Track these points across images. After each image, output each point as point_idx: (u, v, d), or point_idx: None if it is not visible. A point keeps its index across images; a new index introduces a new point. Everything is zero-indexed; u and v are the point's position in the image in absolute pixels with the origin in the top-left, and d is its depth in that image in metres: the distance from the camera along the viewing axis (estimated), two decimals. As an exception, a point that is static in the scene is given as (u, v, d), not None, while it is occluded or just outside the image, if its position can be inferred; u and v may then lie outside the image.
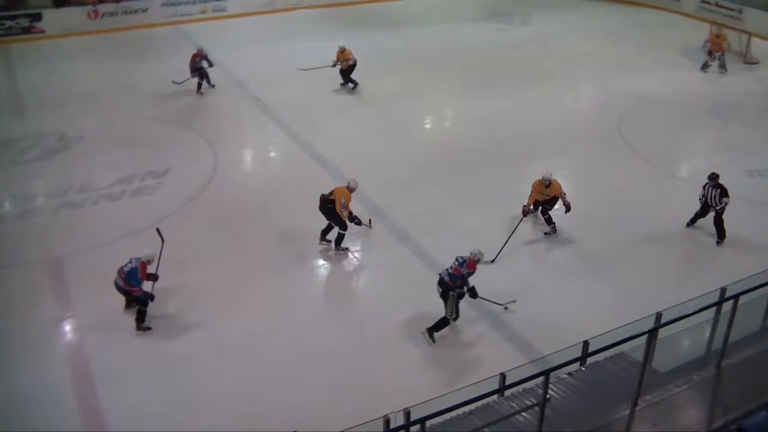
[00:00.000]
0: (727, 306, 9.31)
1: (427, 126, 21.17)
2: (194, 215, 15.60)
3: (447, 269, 11.87)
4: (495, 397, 8.79)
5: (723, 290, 9.78)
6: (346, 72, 22.19)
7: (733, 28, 27.50)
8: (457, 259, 11.90)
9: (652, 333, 8.47)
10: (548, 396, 8.18)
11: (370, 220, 15.11)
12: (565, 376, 9.31)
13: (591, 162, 18.36)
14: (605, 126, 20.38)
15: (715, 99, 22.83)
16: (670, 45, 27.87)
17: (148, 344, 11.82)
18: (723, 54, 25.13)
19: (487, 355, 11.43)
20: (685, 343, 10.08)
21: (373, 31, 28.38)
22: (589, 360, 9.41)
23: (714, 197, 14.99)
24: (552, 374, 8.01)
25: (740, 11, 30.29)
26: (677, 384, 8.93)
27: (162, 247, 12.59)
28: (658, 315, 9.38)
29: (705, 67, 25.26)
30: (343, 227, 14.22)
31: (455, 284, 11.74)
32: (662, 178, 17.59)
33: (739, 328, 9.30)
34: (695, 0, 32.10)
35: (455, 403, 7.32)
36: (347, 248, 14.42)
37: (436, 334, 11.86)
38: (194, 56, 21.40)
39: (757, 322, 10.31)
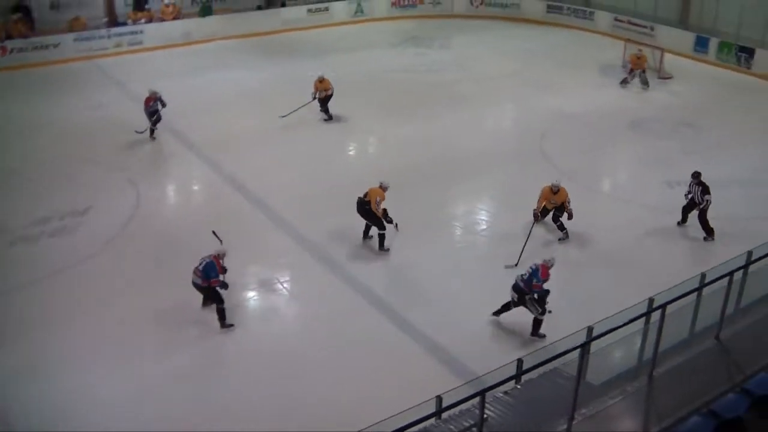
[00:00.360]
0: (655, 316, 9.50)
1: (350, 153, 21.22)
2: (117, 253, 15.23)
3: (521, 275, 12.55)
4: (432, 420, 8.75)
5: (651, 300, 9.98)
6: (324, 101, 22.13)
7: (647, 45, 28.42)
8: (531, 267, 12.60)
9: (584, 347, 8.57)
10: (485, 416, 8.18)
11: (396, 225, 15.62)
12: (501, 395, 9.34)
13: (515, 181, 18.61)
14: (527, 145, 20.76)
15: (632, 114, 23.50)
16: (587, 63, 28.67)
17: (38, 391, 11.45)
18: (644, 71, 25.99)
19: (422, 379, 11.39)
20: (617, 354, 10.23)
21: (293, 59, 28.36)
22: (524, 377, 9.48)
23: (697, 194, 15.83)
24: (488, 394, 8.02)
25: (652, 28, 31.34)
26: (611, 396, 9.03)
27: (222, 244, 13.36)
28: (590, 329, 9.51)
29: (624, 83, 26.04)
30: (381, 227, 15.05)
31: (530, 289, 12.36)
32: (585, 194, 17.93)
33: (668, 336, 9.48)
34: (609, 19, 33.15)
35: (392, 429, 7.27)
36: (388, 249, 15.13)
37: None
38: (148, 100, 20.39)
39: (685, 330, 10.54)
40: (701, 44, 29.64)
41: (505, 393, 9.38)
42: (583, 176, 18.83)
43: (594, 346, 8.79)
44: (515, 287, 12.62)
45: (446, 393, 8.72)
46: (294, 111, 21.87)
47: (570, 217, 15.61)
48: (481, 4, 36.16)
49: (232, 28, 31.03)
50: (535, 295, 12.46)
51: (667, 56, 28.00)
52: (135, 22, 29.62)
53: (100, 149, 20.22)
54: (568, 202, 15.53)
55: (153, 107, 20.48)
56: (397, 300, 13.70)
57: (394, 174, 18.64)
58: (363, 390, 11.45)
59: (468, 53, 29.91)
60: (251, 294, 14.05)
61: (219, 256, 12.85)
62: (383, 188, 15.21)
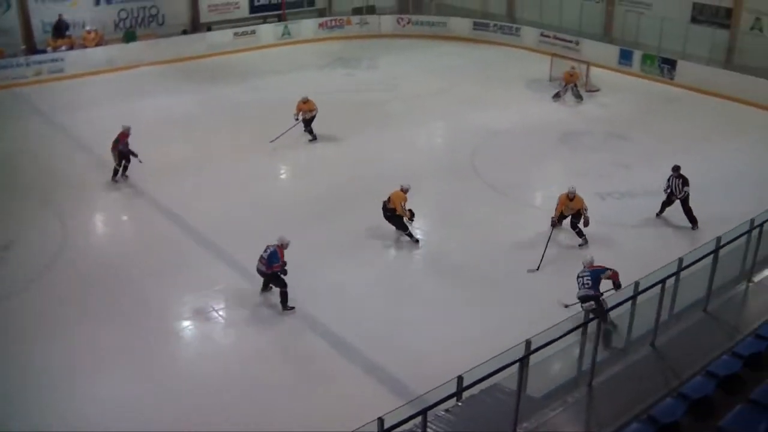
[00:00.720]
0: (592, 326, 9.67)
1: (282, 176, 21.12)
2: (43, 287, 14.82)
3: (584, 285, 12.85)
4: (375, 442, 8.71)
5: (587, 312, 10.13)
6: (308, 122, 22.33)
7: (573, 59, 29.05)
8: (584, 274, 13.01)
9: (523, 360, 8.64)
10: (428, 435, 8.18)
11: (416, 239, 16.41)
12: (443, 413, 9.34)
13: (447, 199, 18.72)
14: (459, 162, 20.94)
15: (563, 127, 23.94)
16: (515, 78, 29.16)
17: None
18: (575, 86, 26.59)
19: (361, 400, 11.36)
20: (556, 366, 10.36)
21: (220, 84, 28.17)
22: (465, 394, 9.50)
23: (677, 186, 17.10)
24: (430, 413, 8.02)
25: (577, 42, 32.04)
26: (552, 408, 9.11)
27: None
28: (528, 342, 9.59)
29: (557, 97, 26.59)
30: (405, 228, 16.16)
31: (597, 293, 12.72)
32: (518, 208, 18.14)
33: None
34: (535, 34, 33.80)
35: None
36: (418, 240, 16.26)
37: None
38: (122, 136, 19.31)
39: (621, 339, 10.73)
40: (625, 57, 30.43)
41: (447, 411, 9.38)
42: (516, 191, 19.10)
43: (533, 359, 8.87)
44: (583, 297, 12.91)
45: (387, 414, 8.67)
46: (282, 134, 21.95)
47: (586, 223, 16.30)
48: (408, 23, 36.55)
49: (158, 53, 30.71)
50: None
51: (593, 70, 28.69)
52: (55, 49, 29.03)
53: (22, 181, 19.71)
54: (585, 209, 16.28)
55: (128, 145, 19.37)
56: (332, 321, 13.65)
57: (326, 195, 18.80)
58: (301, 414, 11.35)
59: (396, 72, 30.13)
60: (186, 323, 13.84)
61: (283, 246, 14.02)
62: (404, 191, 16.18)
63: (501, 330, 12.72)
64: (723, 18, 29.02)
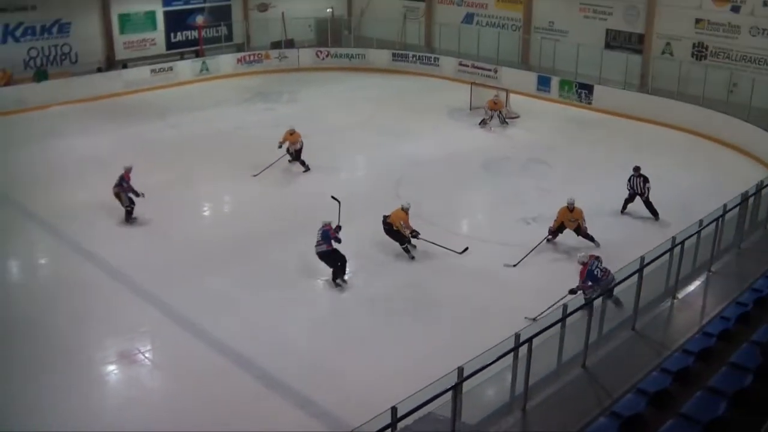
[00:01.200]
0: (523, 350, 9.73)
1: (205, 214, 20.79)
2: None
3: (598, 282, 13.42)
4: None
5: (517, 336, 10.19)
6: (297, 154, 22.85)
7: (492, 87, 29.60)
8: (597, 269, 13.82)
9: (456, 388, 8.64)
10: (363, 468, 8.09)
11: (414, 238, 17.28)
12: (379, 445, 9.26)
13: (372, 230, 18.54)
14: (383, 192, 20.90)
15: (484, 154, 24.27)
16: (435, 107, 29.55)
17: None
18: (500, 112, 27.21)
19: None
20: (490, 392, 10.39)
21: (138, 122, 27.72)
22: (400, 425, 9.44)
23: (638, 185, 19.19)
24: (365, 445, 7.96)
25: (495, 71, 32.69)
26: (488, 434, 9.17)
27: (340, 207, 16.49)
28: (460, 369, 9.60)
29: (483, 124, 27.13)
30: (402, 241, 17.19)
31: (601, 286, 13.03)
32: (445, 236, 18.25)
33: (537, 369, 9.74)
34: (454, 64, 34.40)
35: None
36: (413, 257, 17.20)
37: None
38: (126, 175, 19.03)
39: (553, 361, 10.84)
40: (543, 83, 31.22)
41: (382, 443, 9.30)
42: (442, 219, 19.19)
43: (467, 385, 8.89)
44: (602, 295, 12.06)
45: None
46: (267, 168, 22.20)
47: (585, 236, 17.37)
48: (327, 56, 36.79)
49: (71, 92, 30.09)
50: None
51: (512, 96, 29.27)
52: (-40, 89, 28.25)
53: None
54: (583, 221, 17.36)
55: (129, 186, 18.97)
56: (263, 358, 13.45)
57: (253, 231, 18.59)
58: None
59: (317, 105, 30.20)
60: (111, 368, 13.46)
61: (331, 226, 15.96)
62: (405, 210, 17.28)
63: (434, 358, 12.67)
64: (636, 44, 30.09)
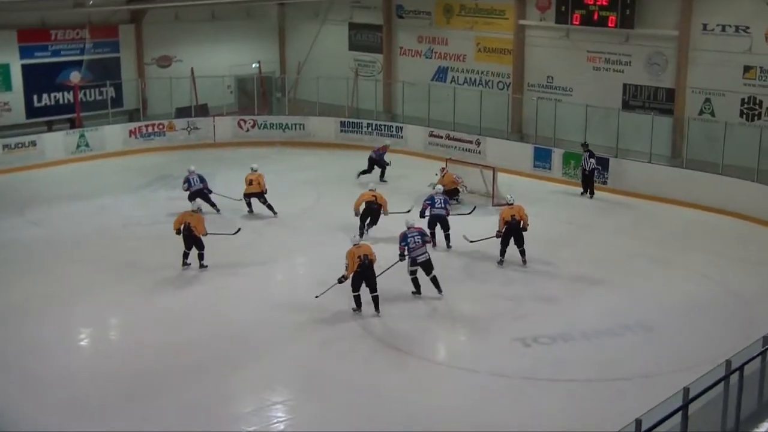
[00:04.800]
0: None
1: (83, 344, 20.04)
2: None
3: (409, 250, 20.68)
4: None
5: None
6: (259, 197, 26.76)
7: (474, 165, 29.48)
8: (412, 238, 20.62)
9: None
10: None
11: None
12: None
13: (320, 357, 18.20)
14: (332, 308, 20.39)
15: (466, 253, 24.10)
16: (400, 192, 29.02)
17: None
18: (458, 191, 28.19)
19: None
20: None
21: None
22: None
23: (584, 159, 28.74)
24: None
25: (478, 142, 32.75)
26: None
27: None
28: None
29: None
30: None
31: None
32: (416, 366, 17.65)
33: None
34: (422, 135, 34.90)
35: None
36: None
37: None
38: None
39: None
40: (542, 158, 31.47)
41: None
42: (412, 344, 18.98)
43: None
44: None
45: None
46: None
47: (525, 228, 22.98)
48: (252, 126, 36.84)
49: None
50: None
51: (501, 177, 29.13)
52: None
53: None
54: (526, 216, 23.03)
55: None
56: None
57: (150, 366, 18.06)
58: None
59: (240, 192, 29.73)
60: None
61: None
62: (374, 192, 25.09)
63: None
64: (664, 102, 30.52)
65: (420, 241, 20.74)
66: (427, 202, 24.55)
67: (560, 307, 20.55)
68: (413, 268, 20.97)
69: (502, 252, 23.11)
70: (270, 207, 27.05)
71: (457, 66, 36.22)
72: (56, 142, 33.79)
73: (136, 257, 23.79)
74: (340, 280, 20.07)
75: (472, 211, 25.96)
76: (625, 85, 31.33)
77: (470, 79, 35.83)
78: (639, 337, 19.05)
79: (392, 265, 21.02)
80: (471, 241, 23.48)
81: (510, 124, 33.89)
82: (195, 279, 22.52)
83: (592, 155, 28.72)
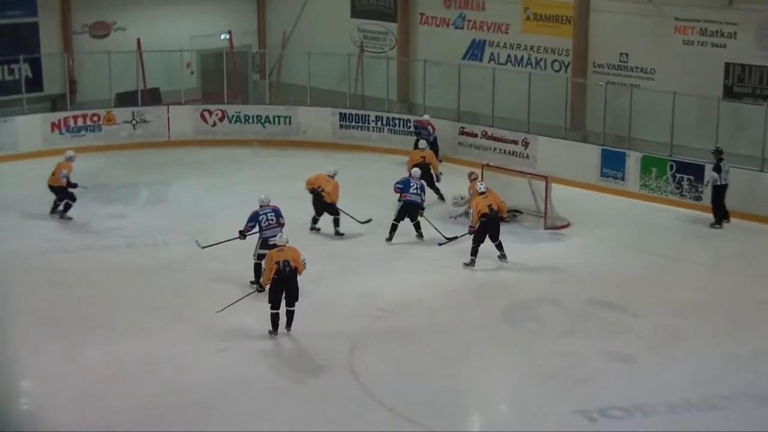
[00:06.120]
0: None
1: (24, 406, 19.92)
2: None
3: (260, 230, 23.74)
4: None
5: None
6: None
7: (520, 173, 29.39)
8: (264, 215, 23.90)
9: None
10: None
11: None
12: None
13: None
14: (328, 368, 20.69)
15: (506, 294, 24.41)
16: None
17: None
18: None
19: None
20: None
21: None
22: None
23: (717, 171, 28.42)
24: None
25: (526, 143, 32.58)
26: None
27: None
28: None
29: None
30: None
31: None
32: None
33: None
34: (450, 131, 35.22)
35: None
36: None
37: None
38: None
39: None
40: (612, 163, 31.50)
41: None
42: (430, 415, 18.77)
43: None
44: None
45: None
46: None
47: (503, 218, 26.16)
48: (221, 119, 37.01)
49: None
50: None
51: (557, 188, 28.96)
52: None
53: None
54: (503, 204, 26.09)
55: None
56: None
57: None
58: None
59: (201, 211, 29.86)
60: None
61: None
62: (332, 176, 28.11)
63: None
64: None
65: (274, 219, 23.88)
66: (399, 186, 27.70)
67: (637, 367, 20.37)
68: (262, 251, 23.16)
69: (475, 251, 25.43)
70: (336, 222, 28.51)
71: (498, 39, 36.34)
72: (-53, 138, 34.01)
73: (60, 296, 23.79)
74: (258, 290, 22.53)
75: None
76: (727, 65, 31.24)
77: (515, 56, 35.96)
78: (747, 412, 18.75)
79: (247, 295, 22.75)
80: (440, 244, 26.91)
81: (569, 118, 33.82)
82: (140, 329, 22.38)
83: (722, 167, 28.24)
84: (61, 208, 28.26)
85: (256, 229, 23.87)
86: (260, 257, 23.35)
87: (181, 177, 32.58)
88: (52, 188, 27.99)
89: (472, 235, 25.53)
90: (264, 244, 23.40)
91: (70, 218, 28.29)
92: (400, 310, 23.35)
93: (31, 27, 36.68)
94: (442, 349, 21.55)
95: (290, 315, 21.56)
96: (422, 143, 31.18)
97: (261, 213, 23.83)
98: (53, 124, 35.40)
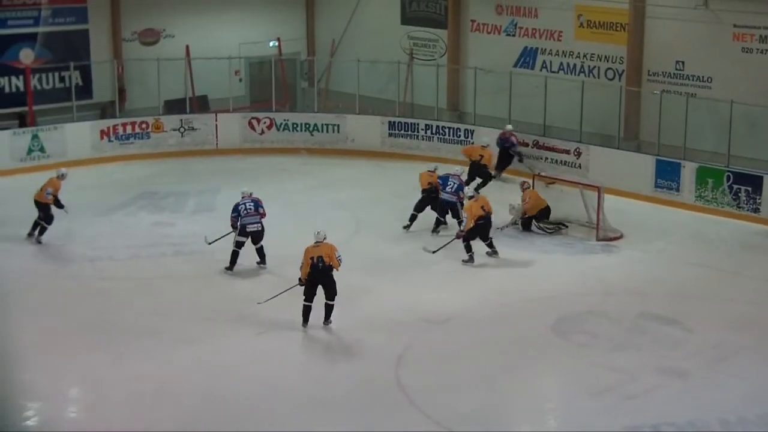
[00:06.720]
0: None
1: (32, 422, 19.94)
2: None
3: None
4: None
5: None
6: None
7: (573, 183, 29.21)
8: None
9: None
10: None
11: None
12: None
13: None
14: (376, 380, 20.58)
15: (556, 305, 24.25)
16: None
17: None
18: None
19: None
20: None
21: None
22: None
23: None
24: None
25: (578, 153, 32.36)
26: None
27: None
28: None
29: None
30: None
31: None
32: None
33: None
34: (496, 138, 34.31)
35: None
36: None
37: None
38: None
39: None
40: (666, 174, 31.20)
41: None
42: (476, 428, 18.78)
43: None
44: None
45: None
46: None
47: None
48: (269, 127, 36.85)
49: None
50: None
51: (610, 199, 28.78)
52: None
53: None
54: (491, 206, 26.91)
55: None
56: None
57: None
58: None
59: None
60: None
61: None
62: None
63: None
64: None
65: (252, 208, 25.45)
66: (440, 181, 28.82)
67: (691, 383, 20.21)
68: (240, 239, 25.44)
69: (469, 247, 26.49)
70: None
71: (551, 46, 36.32)
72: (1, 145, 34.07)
73: (107, 303, 23.84)
74: (299, 284, 22.65)
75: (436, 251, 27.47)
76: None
77: (568, 64, 35.92)
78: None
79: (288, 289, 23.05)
80: (433, 252, 27.08)
81: (622, 127, 33.67)
82: (187, 338, 22.37)
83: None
84: (36, 232, 27.74)
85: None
86: (238, 244, 25.37)
87: (229, 185, 32.51)
88: (38, 204, 27.70)
89: (462, 240, 26.43)
90: (242, 231, 25.27)
91: (40, 242, 27.63)
92: (447, 321, 23.29)
93: (81, 34, 36.88)
94: (488, 361, 21.51)
95: (329, 309, 22.42)
96: (485, 140, 32.87)
97: (241, 203, 25.44)
98: (102, 132, 35.49)
